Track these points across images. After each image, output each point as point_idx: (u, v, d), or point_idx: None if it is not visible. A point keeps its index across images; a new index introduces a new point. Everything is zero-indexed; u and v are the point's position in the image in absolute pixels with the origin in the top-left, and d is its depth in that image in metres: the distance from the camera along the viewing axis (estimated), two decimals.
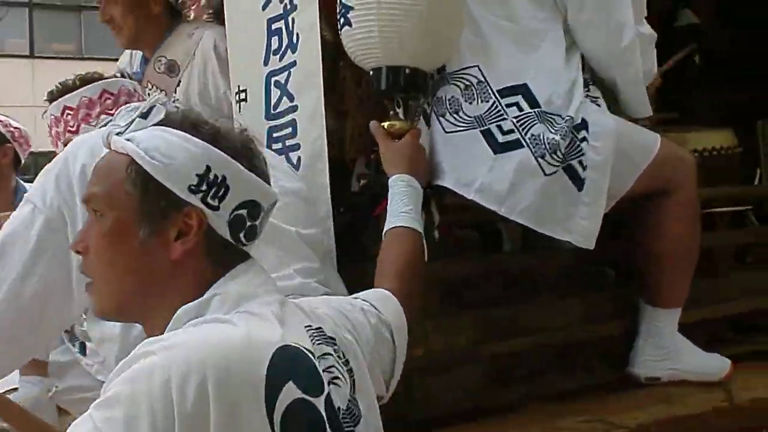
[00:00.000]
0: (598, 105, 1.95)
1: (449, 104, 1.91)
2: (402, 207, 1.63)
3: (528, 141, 1.85)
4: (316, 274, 1.61)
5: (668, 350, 2.05)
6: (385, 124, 1.78)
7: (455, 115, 1.90)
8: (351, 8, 1.73)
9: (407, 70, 1.75)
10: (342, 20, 1.76)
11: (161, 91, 2.56)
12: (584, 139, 1.88)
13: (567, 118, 1.87)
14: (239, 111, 2.04)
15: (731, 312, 2.29)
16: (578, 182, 1.88)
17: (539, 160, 1.85)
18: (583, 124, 1.88)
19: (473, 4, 1.88)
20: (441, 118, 1.92)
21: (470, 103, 1.89)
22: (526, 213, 1.87)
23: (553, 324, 2.05)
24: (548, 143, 1.85)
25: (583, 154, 1.87)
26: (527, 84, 1.88)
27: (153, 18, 2.61)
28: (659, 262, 2.03)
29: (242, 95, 2.05)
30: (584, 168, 1.88)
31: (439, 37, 1.78)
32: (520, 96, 1.87)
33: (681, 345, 2.06)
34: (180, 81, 2.59)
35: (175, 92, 2.57)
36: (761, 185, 2.86)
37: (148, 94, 2.46)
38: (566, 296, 2.13)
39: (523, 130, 1.85)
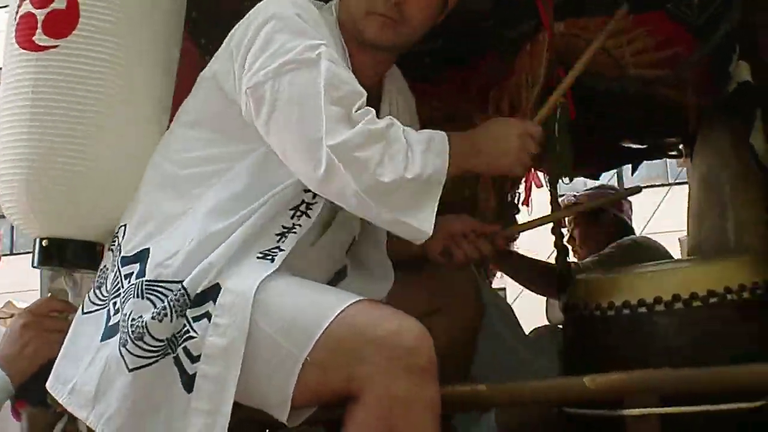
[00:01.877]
0: (271, 260, 1.41)
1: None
2: None
3: (121, 324, 1.38)
4: None
5: None
6: None
7: (96, 291, 1.50)
8: None
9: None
10: None
11: None
12: (206, 314, 1.34)
13: (177, 286, 1.37)
14: None
15: None
16: (187, 381, 1.33)
17: (122, 349, 1.35)
18: (213, 293, 1.36)
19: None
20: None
21: (105, 279, 1.50)
22: (112, 425, 1.36)
23: None
24: (133, 326, 1.35)
25: (192, 338, 1.34)
26: (150, 248, 1.43)
27: None
28: None
29: None
30: (194, 359, 1.33)
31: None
32: (137, 264, 1.42)
33: None
34: None
35: None
36: None
37: None
38: None
39: (121, 308, 1.40)
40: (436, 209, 1.41)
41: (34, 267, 1.63)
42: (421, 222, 1.40)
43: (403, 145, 1.38)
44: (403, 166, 1.37)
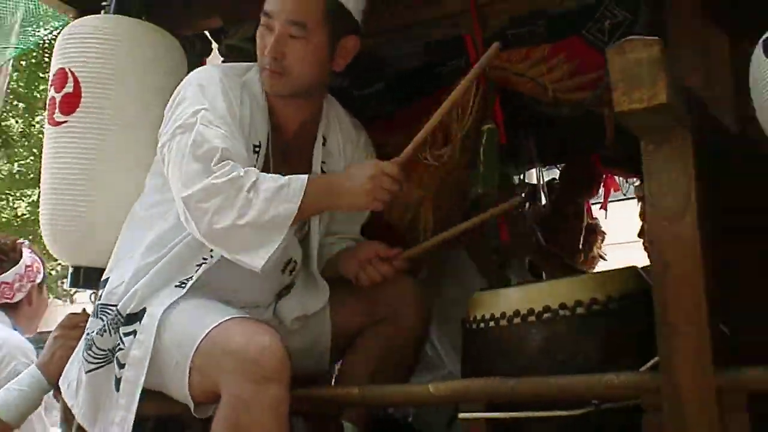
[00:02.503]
0: (183, 287, 1.77)
1: None
2: None
3: (85, 336, 1.84)
4: None
5: None
6: None
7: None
8: None
9: None
10: None
11: None
12: (133, 332, 1.73)
13: (114, 309, 1.77)
14: None
15: None
16: (116, 383, 1.73)
17: (83, 355, 1.80)
18: (141, 315, 1.74)
19: None
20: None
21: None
22: (81, 417, 1.82)
23: None
24: (88, 338, 1.80)
25: (121, 349, 1.72)
26: (109, 277, 1.86)
27: None
28: None
29: None
30: (121, 366, 1.72)
31: None
32: (101, 290, 1.88)
33: None
34: None
35: None
36: None
37: None
38: None
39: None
40: (276, 246, 1.68)
41: (69, 287, 2.15)
42: (252, 260, 1.70)
43: (243, 195, 1.66)
44: (237, 215, 1.66)
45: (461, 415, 1.58)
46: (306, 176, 1.74)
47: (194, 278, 1.79)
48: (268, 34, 1.84)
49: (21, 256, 2.79)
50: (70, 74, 2.05)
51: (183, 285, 1.80)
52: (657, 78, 1.32)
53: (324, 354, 2.01)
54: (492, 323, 1.66)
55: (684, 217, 1.41)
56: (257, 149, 1.87)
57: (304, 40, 1.82)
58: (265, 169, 1.86)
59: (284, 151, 1.94)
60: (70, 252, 2.10)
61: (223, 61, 2.27)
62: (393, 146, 1.99)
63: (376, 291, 1.95)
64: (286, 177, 1.73)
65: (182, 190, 1.71)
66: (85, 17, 2.15)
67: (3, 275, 2.75)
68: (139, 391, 1.72)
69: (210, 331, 1.67)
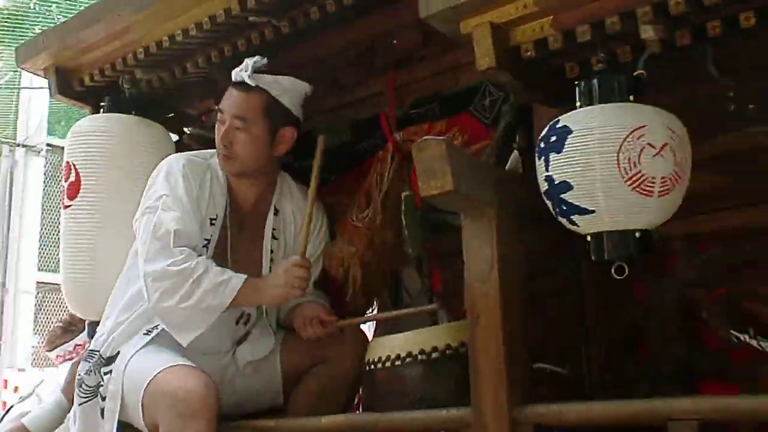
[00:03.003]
0: (149, 335, 2.19)
1: None
2: None
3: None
4: None
5: None
6: None
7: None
8: None
9: None
10: None
11: None
12: (110, 371, 2.17)
13: (97, 353, 2.23)
14: None
15: None
16: (101, 412, 2.17)
17: (76, 391, 2.26)
18: (115, 358, 2.19)
19: None
20: None
21: None
22: None
23: None
24: (79, 378, 2.25)
25: (102, 386, 2.17)
26: (98, 330, 2.32)
27: None
28: None
29: None
30: (103, 398, 2.16)
31: None
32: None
33: None
34: None
35: None
36: None
37: None
38: None
39: None
40: (202, 329, 2.13)
41: (88, 338, 2.64)
42: (181, 338, 2.15)
43: (188, 285, 2.08)
44: (179, 300, 2.09)
45: None
46: (243, 278, 2.13)
47: (159, 328, 2.22)
48: (221, 125, 2.27)
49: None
50: (72, 167, 2.56)
51: (149, 333, 2.22)
52: (444, 171, 1.62)
53: (278, 391, 2.38)
54: (379, 365, 2.00)
55: (489, 278, 1.70)
56: (213, 221, 2.29)
57: (247, 131, 2.23)
58: (222, 236, 2.29)
59: (242, 221, 2.35)
60: (83, 309, 2.60)
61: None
62: (327, 206, 2.40)
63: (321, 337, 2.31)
64: (228, 275, 2.13)
65: (144, 265, 2.16)
66: (84, 118, 2.65)
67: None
68: (116, 418, 2.16)
69: (156, 375, 2.09)
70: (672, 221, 1.86)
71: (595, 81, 1.63)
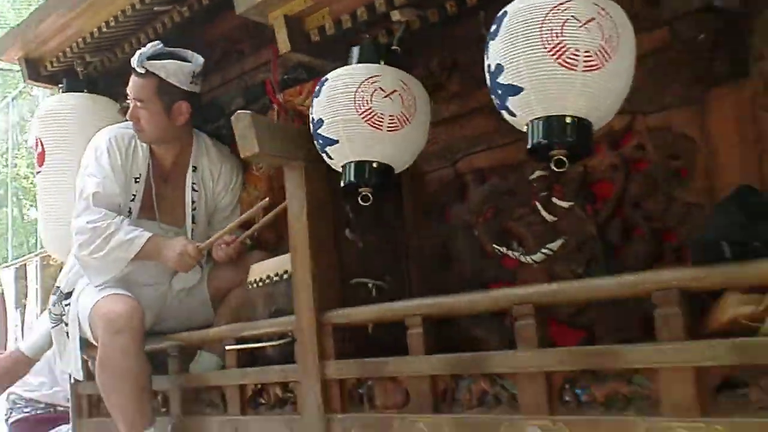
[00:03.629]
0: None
1: None
2: None
3: None
4: None
5: None
6: None
7: None
8: None
9: None
10: None
11: None
12: (69, 303, 2.82)
13: (59, 289, 2.91)
14: None
15: None
16: (66, 335, 2.84)
17: (49, 317, 2.96)
18: (72, 293, 2.83)
19: None
20: None
21: None
22: (53, 354, 3.03)
23: None
24: (49, 309, 2.95)
25: (64, 315, 2.84)
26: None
27: None
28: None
29: None
30: (66, 324, 2.83)
31: None
32: None
33: None
34: None
35: None
36: None
37: None
38: None
39: None
40: (109, 277, 2.72)
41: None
42: (92, 280, 2.75)
43: (99, 240, 2.65)
44: (91, 251, 2.67)
45: (227, 348, 2.49)
46: (147, 237, 2.68)
47: None
48: (130, 105, 2.81)
49: None
50: (39, 140, 3.16)
51: None
52: (252, 136, 2.12)
53: (209, 311, 2.96)
54: (254, 285, 2.54)
55: (301, 217, 2.20)
56: (138, 180, 2.85)
57: (146, 109, 2.76)
58: (147, 190, 2.85)
59: (165, 178, 2.90)
60: (57, 250, 3.25)
61: None
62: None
63: (236, 265, 2.87)
64: (135, 234, 2.68)
65: (73, 220, 2.76)
66: (47, 99, 3.23)
67: None
68: (78, 338, 2.80)
69: (96, 303, 2.70)
70: (463, 157, 2.31)
71: (356, 48, 2.05)
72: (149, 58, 2.70)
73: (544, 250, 2.12)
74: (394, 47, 2.07)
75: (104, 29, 3.01)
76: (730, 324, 1.46)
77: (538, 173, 2.12)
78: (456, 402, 1.89)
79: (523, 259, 2.17)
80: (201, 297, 2.96)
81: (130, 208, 2.81)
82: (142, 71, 2.71)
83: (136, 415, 2.61)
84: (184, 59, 2.78)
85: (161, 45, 2.75)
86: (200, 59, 2.82)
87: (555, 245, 2.10)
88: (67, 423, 3.37)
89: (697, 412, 1.47)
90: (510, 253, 2.18)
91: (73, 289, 2.85)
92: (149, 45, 2.75)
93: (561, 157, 1.62)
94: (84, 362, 2.90)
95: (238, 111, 2.17)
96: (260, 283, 2.50)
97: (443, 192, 2.39)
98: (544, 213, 2.12)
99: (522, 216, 2.18)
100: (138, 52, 2.72)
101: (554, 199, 2.10)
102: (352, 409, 2.10)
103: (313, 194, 2.21)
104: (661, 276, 1.53)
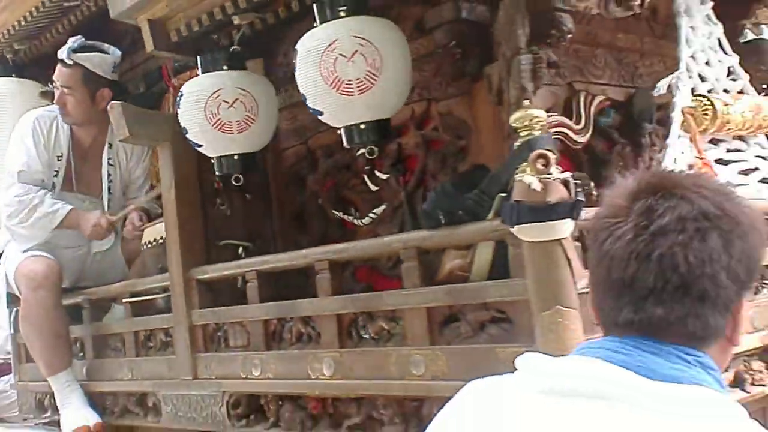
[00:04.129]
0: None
1: None
2: None
3: None
4: None
5: None
6: None
7: None
8: None
9: None
10: None
11: None
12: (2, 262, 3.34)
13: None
14: None
15: None
16: None
17: None
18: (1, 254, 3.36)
19: None
20: None
21: None
22: None
23: None
24: None
25: None
26: None
27: None
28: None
29: None
30: None
31: None
32: None
33: None
34: None
35: None
36: None
37: None
38: None
39: None
40: (34, 244, 3.14)
41: None
42: (19, 246, 3.18)
43: (24, 212, 3.07)
44: (17, 222, 3.10)
45: (123, 301, 2.93)
46: (68, 209, 3.10)
47: None
48: (57, 92, 3.20)
49: None
50: None
51: None
52: (122, 123, 2.53)
53: (124, 270, 3.39)
54: (145, 246, 2.99)
55: (171, 191, 2.61)
56: (60, 158, 3.26)
57: (72, 96, 3.17)
58: (68, 167, 3.26)
59: (85, 155, 3.32)
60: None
61: None
62: None
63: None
64: (56, 207, 3.10)
65: (1, 193, 3.19)
66: None
67: None
68: (5, 291, 3.29)
69: (20, 262, 3.16)
70: (313, 136, 2.71)
71: (208, 54, 2.46)
72: (75, 51, 3.09)
73: (371, 215, 2.53)
74: (234, 47, 2.46)
75: (24, 22, 3.39)
76: (450, 274, 1.88)
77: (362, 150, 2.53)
78: (283, 340, 2.33)
79: (356, 222, 2.58)
80: (114, 259, 3.40)
81: (53, 183, 3.23)
82: (70, 62, 3.10)
83: (54, 359, 3.07)
84: (106, 51, 3.17)
85: (82, 39, 3.14)
86: (118, 51, 3.21)
87: (378, 210, 2.51)
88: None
89: (428, 342, 1.90)
90: (346, 217, 2.60)
91: (2, 251, 3.30)
92: (72, 39, 3.13)
93: (370, 148, 2.21)
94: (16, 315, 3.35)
95: (113, 102, 2.58)
96: (150, 245, 2.93)
97: (299, 165, 2.80)
98: (369, 183, 2.53)
99: (354, 186, 2.59)
100: (65, 46, 3.10)
101: (376, 172, 2.51)
102: (212, 349, 2.55)
103: (179, 170, 2.62)
104: (403, 237, 1.96)
